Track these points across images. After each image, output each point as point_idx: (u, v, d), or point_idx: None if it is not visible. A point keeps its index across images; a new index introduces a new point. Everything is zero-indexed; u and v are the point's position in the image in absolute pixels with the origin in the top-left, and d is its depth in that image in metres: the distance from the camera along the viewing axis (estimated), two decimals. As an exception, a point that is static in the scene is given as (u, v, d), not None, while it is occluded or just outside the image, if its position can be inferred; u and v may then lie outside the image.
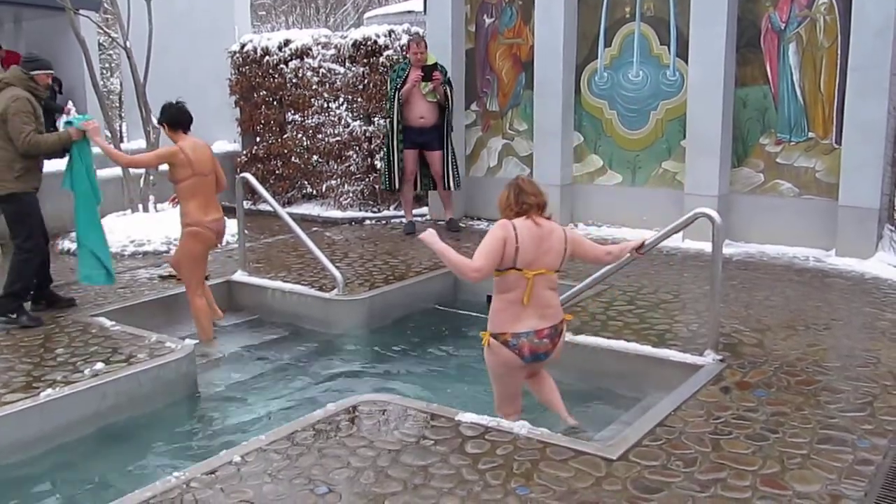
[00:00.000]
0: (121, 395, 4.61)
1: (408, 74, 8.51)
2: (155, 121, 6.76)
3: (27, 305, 5.86)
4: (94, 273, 5.93)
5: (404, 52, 8.90)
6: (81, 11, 9.57)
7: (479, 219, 9.33)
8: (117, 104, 19.43)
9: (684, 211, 6.60)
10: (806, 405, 4.03)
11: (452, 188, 8.86)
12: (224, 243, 8.15)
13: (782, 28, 7.51)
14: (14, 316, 5.69)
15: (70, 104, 11.25)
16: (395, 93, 8.58)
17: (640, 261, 5.12)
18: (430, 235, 4.07)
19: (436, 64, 8.56)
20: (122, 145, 9.47)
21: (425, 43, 8.66)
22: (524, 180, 4.24)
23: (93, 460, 4.23)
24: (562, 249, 4.05)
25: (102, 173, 9.64)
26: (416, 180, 8.96)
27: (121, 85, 17.87)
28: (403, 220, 9.27)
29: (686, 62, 7.91)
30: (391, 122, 8.69)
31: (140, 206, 8.91)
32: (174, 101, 5.96)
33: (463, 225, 9.00)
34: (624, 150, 8.53)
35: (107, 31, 11.53)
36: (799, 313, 5.56)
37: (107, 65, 22.21)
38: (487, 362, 4.16)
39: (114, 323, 5.61)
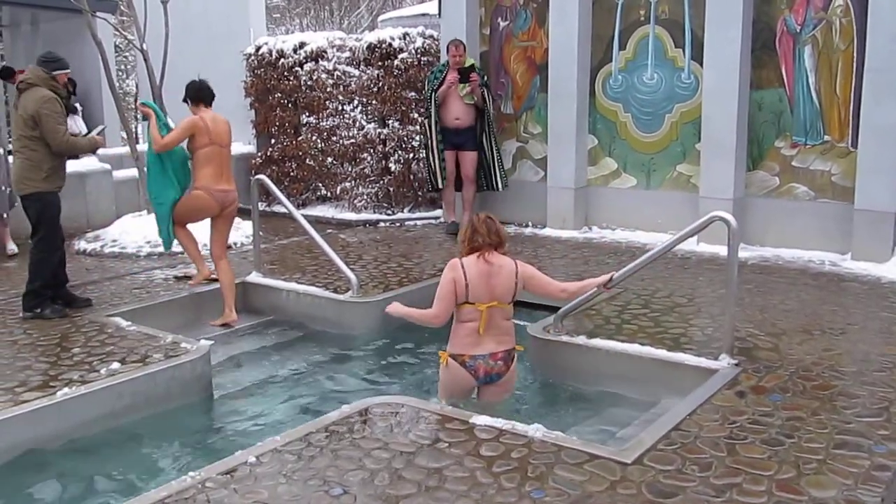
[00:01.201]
0: (136, 394, 4.64)
1: (445, 76, 8.59)
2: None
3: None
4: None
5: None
6: (98, 14, 9.64)
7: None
8: (133, 105, 19.51)
9: (699, 214, 6.59)
10: (822, 410, 4.01)
11: (500, 188, 8.97)
12: (239, 244, 8.25)
13: (798, 30, 7.49)
14: (38, 311, 5.82)
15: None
16: (432, 94, 8.68)
17: (655, 264, 5.12)
18: (394, 307, 4.65)
19: (472, 66, 8.62)
20: (139, 146, 9.51)
21: (464, 46, 8.74)
22: (479, 220, 4.51)
23: (108, 459, 4.24)
24: (512, 284, 4.41)
25: (118, 174, 9.77)
26: (458, 180, 9.06)
27: (136, 86, 17.93)
28: (441, 219, 9.45)
29: (701, 65, 7.89)
30: (429, 123, 8.79)
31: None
32: (196, 79, 6.51)
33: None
34: (638, 152, 8.52)
35: (123, 33, 11.62)
36: (814, 317, 5.54)
37: (122, 66, 22.35)
38: (442, 377, 4.57)
39: (130, 323, 5.64)
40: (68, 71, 6.09)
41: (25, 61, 13.54)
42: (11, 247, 8.00)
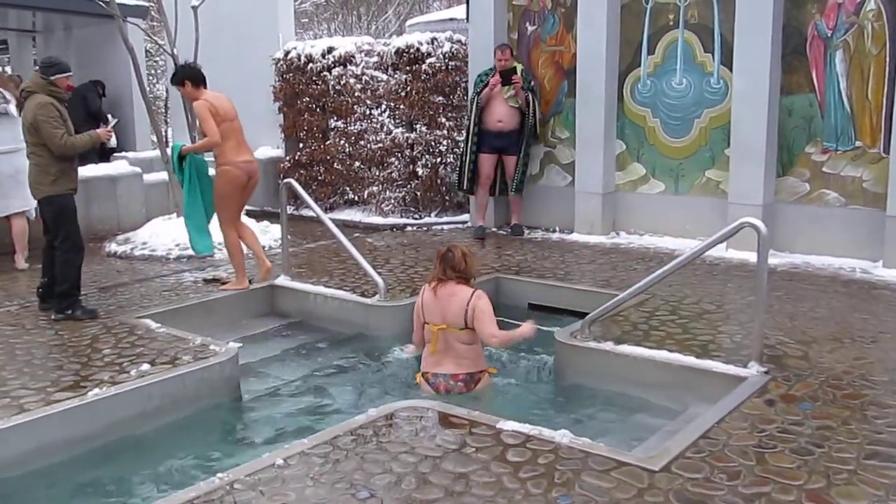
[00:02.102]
0: (166, 396, 4.68)
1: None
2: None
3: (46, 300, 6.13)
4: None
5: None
6: (129, 19, 9.74)
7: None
8: (163, 109, 19.71)
9: (728, 220, 6.54)
10: (852, 419, 3.97)
11: (513, 192, 9.01)
12: (267, 248, 8.30)
13: (829, 35, 7.42)
14: (69, 312, 5.92)
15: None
16: (475, 97, 8.78)
17: (683, 270, 5.09)
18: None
19: (515, 68, 8.65)
20: (168, 150, 9.61)
21: (511, 50, 8.81)
22: (442, 255, 5.02)
23: (137, 460, 4.28)
24: (462, 312, 4.86)
25: (149, 178, 9.87)
26: (494, 185, 9.10)
27: (166, 91, 18.12)
28: (468, 224, 9.56)
29: (730, 70, 7.84)
30: (469, 125, 8.87)
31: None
32: (184, 63, 6.79)
33: (527, 231, 9.03)
34: (667, 158, 8.48)
35: (154, 38, 11.74)
36: (845, 325, 5.48)
37: (153, 71, 22.56)
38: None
39: (159, 325, 5.70)
40: (67, 74, 6.14)
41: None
42: (22, 264, 7.83)
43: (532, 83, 8.92)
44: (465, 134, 9.04)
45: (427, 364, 5.00)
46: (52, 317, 5.91)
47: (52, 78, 6.00)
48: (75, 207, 6.09)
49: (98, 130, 6.27)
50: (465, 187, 9.06)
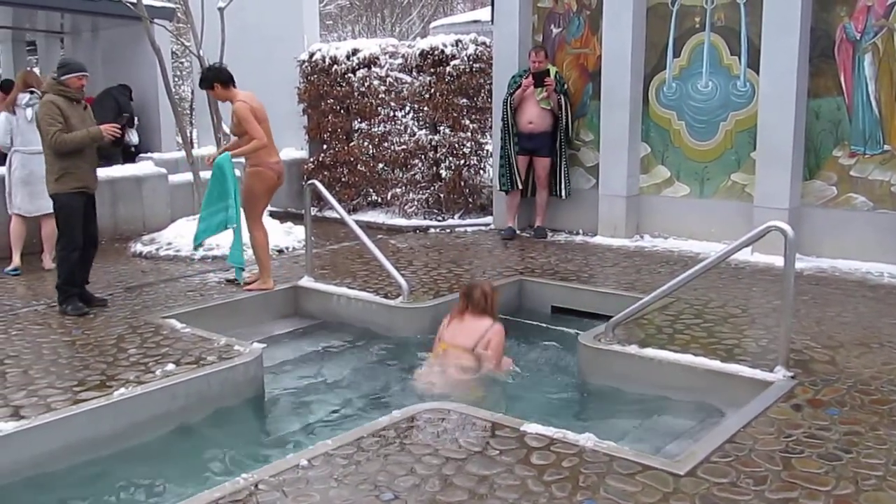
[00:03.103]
0: (191, 395, 4.70)
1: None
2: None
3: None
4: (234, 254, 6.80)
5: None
6: (156, 21, 9.81)
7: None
8: (188, 111, 19.84)
9: (753, 224, 6.50)
10: (881, 425, 3.92)
11: (563, 196, 9.00)
12: (291, 249, 8.33)
13: (857, 38, 7.35)
14: (63, 306, 6.11)
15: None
16: (508, 98, 8.84)
17: (708, 274, 5.07)
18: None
19: (548, 70, 8.67)
20: (194, 151, 9.67)
21: (545, 52, 8.81)
22: (464, 292, 5.41)
23: (163, 460, 4.31)
24: (477, 336, 5.19)
25: (174, 178, 9.93)
26: (525, 187, 9.13)
27: (192, 92, 18.24)
28: (492, 226, 9.59)
29: (757, 73, 7.79)
30: (505, 127, 8.93)
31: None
32: (209, 66, 6.78)
33: (551, 234, 9.02)
34: (692, 161, 8.43)
35: (180, 39, 11.82)
36: (873, 330, 5.42)
37: (178, 72, 22.72)
38: None
39: (184, 325, 5.73)
40: (77, 74, 6.14)
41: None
42: (49, 264, 7.75)
43: (566, 86, 8.90)
44: (501, 135, 9.05)
45: (423, 372, 5.30)
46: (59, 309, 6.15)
47: (63, 78, 6.07)
48: (80, 207, 6.14)
49: (100, 126, 6.18)
50: (516, 187, 9.04)
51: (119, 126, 6.30)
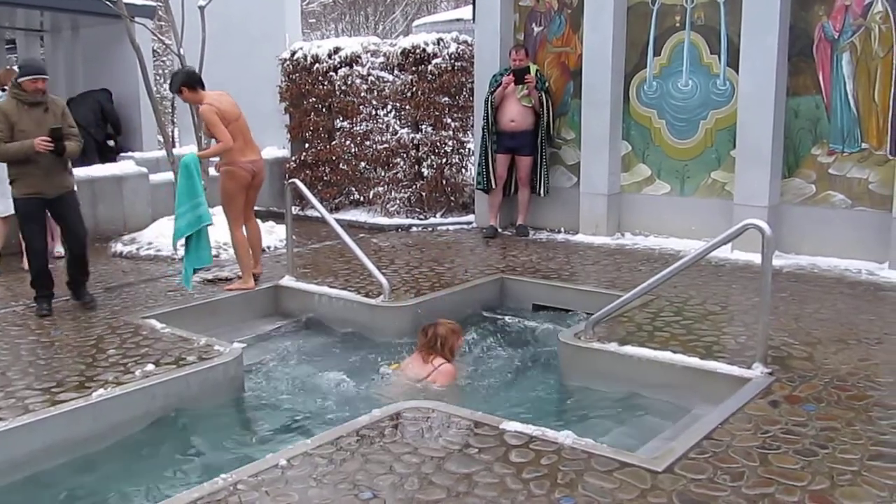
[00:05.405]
0: (170, 396, 4.68)
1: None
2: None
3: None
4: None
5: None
6: (137, 19, 9.76)
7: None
8: (170, 110, 19.75)
9: (733, 221, 6.53)
10: (857, 421, 3.96)
11: (542, 195, 9.01)
12: (272, 248, 8.31)
13: (836, 37, 7.40)
14: (36, 305, 6.19)
15: None
16: (489, 97, 8.84)
17: (688, 271, 5.10)
18: None
19: (529, 68, 8.68)
20: (175, 150, 9.63)
21: (525, 50, 8.81)
22: (421, 330, 5.39)
23: (142, 460, 4.29)
24: (422, 374, 5.17)
25: (155, 178, 9.89)
26: (507, 185, 9.15)
27: (173, 91, 18.13)
28: (473, 224, 9.59)
29: (737, 71, 7.83)
30: (486, 125, 8.91)
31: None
32: (176, 70, 6.79)
33: (533, 232, 9.03)
34: (672, 159, 8.47)
35: (161, 38, 11.75)
36: (850, 327, 5.46)
37: (160, 71, 22.59)
38: None
39: (164, 325, 5.71)
40: (32, 77, 5.95)
41: (65, 66, 13.80)
42: (58, 249, 7.96)
43: (547, 84, 8.92)
44: (482, 133, 9.06)
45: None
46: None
47: (19, 80, 6.00)
48: (34, 212, 6.08)
49: (30, 141, 5.86)
50: (491, 186, 9.06)
51: (50, 140, 5.88)
